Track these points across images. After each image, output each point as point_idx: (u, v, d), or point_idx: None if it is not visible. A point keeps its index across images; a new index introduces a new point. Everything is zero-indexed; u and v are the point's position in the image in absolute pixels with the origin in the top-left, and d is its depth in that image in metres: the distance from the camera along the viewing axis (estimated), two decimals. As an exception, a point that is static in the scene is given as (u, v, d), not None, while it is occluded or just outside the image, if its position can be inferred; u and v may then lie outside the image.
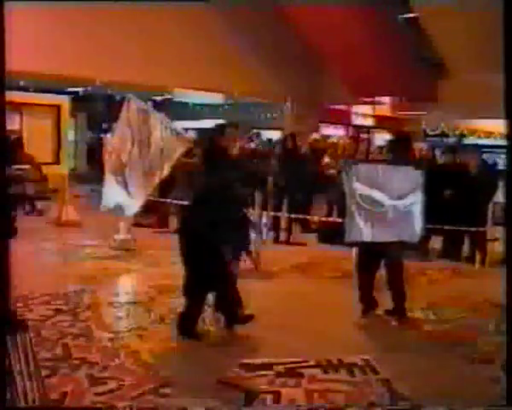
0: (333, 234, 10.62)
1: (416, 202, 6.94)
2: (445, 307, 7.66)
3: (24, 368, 3.20)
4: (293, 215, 11.96)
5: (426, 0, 18.08)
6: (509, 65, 3.64)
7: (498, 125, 20.26)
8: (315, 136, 16.45)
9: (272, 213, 11.84)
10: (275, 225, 12.39)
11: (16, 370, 3.14)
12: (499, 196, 9.58)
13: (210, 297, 6.50)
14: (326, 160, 13.84)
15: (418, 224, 6.95)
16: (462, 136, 25.92)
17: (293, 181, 11.87)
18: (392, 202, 6.88)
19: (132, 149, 9.89)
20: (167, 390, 4.90)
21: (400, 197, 6.91)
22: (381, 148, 13.83)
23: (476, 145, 18.76)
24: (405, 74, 21.01)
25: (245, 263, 8.18)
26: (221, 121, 7.99)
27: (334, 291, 8.38)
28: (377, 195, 6.87)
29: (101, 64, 16.40)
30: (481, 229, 9.82)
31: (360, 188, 6.90)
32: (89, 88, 21.36)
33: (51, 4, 14.20)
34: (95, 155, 23.48)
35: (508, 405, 3.77)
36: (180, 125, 15.05)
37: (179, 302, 6.56)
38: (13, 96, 13.03)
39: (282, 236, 12.21)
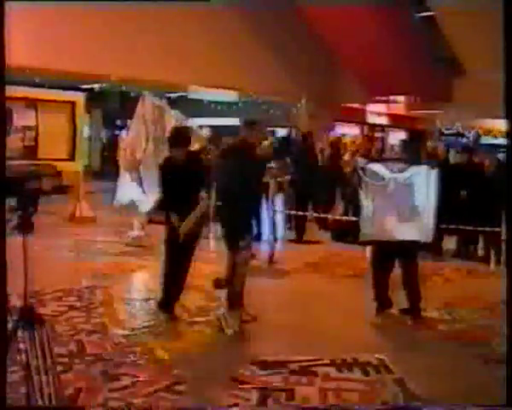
0: (346, 233, 10.61)
1: (416, 174, 6.88)
2: (459, 307, 7.61)
3: (41, 363, 3.21)
4: (307, 213, 11.91)
5: (442, -1, 18.04)
6: (509, 64, 3.63)
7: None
8: (334, 135, 16.52)
9: (287, 211, 11.81)
10: (290, 222, 12.37)
11: (33, 365, 3.16)
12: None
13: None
14: (342, 158, 13.85)
15: (420, 196, 6.90)
16: (478, 135, 25.79)
17: (309, 179, 11.84)
18: (392, 174, 6.88)
19: (147, 146, 9.91)
20: (181, 388, 4.90)
21: (400, 170, 6.90)
22: (394, 146, 13.80)
23: (492, 145, 18.68)
24: (420, 73, 20.93)
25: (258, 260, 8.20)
26: (247, 118, 7.80)
27: (348, 290, 8.35)
28: (377, 168, 6.89)
29: (116, 60, 16.44)
30: (496, 229, 9.75)
31: (361, 161, 6.96)
32: (104, 85, 21.39)
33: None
34: (109, 151, 23.57)
35: (508, 405, 3.75)
36: (194, 122, 15.06)
37: (192, 299, 6.54)
38: (28, 92, 13.07)
39: (297, 234, 12.14)
